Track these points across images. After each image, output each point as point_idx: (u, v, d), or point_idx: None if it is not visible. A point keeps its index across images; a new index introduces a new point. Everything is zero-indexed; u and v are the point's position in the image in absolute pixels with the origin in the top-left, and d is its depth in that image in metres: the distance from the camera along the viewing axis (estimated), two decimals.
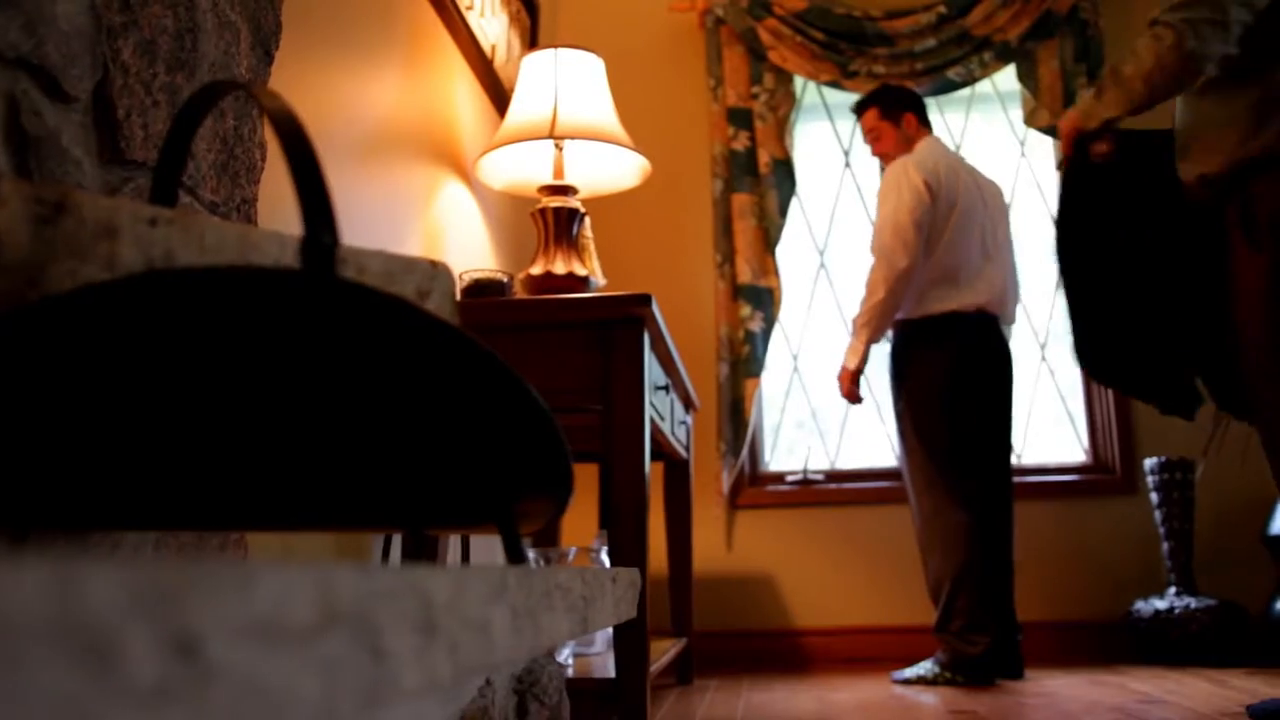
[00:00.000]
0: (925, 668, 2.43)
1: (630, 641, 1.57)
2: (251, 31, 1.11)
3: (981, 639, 2.37)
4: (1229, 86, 1.90)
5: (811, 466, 3.21)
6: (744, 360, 3.15)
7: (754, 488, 3.20)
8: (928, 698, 2.21)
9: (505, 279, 1.82)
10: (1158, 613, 2.71)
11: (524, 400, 0.52)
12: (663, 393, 1.92)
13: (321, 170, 0.48)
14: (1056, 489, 3.09)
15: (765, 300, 3.16)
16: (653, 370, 1.83)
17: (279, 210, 1.36)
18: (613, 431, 1.64)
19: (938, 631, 2.45)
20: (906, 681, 2.44)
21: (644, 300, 1.64)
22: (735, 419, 3.12)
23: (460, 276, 1.83)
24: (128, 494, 0.59)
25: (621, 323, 1.67)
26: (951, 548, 2.41)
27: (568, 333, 1.69)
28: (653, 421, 1.87)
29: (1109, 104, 1.92)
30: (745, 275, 3.19)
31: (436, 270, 0.61)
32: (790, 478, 3.20)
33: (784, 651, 3.04)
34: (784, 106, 3.33)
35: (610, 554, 1.61)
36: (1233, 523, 2.94)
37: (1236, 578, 2.87)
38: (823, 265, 3.39)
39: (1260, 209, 1.82)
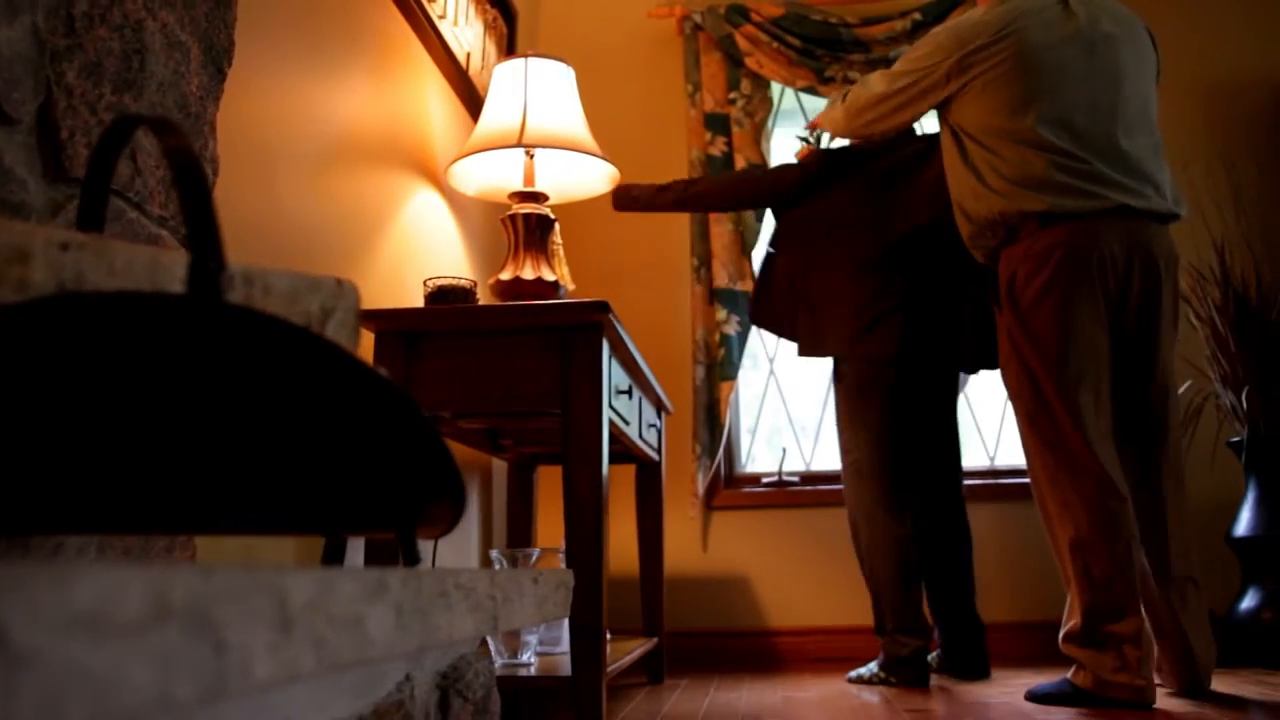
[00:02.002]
0: (870, 668, 2.48)
1: (585, 640, 1.60)
2: (203, 50, 1.15)
3: (911, 641, 2.41)
4: (971, 159, 2.21)
5: (786, 468, 3.24)
6: (719, 363, 3.19)
7: (730, 489, 3.24)
8: (872, 696, 2.25)
9: (469, 285, 1.86)
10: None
11: (408, 415, 0.56)
12: (625, 397, 1.96)
13: (211, 200, 0.52)
14: (1029, 490, 3.12)
15: (741, 304, 3.20)
16: (614, 375, 1.87)
17: (231, 222, 1.40)
18: (571, 435, 1.68)
19: (877, 633, 2.50)
20: (855, 680, 2.49)
21: (601, 307, 1.68)
22: (711, 421, 3.16)
23: (425, 283, 1.86)
24: (53, 500, 0.63)
25: (580, 329, 1.71)
26: (887, 553, 2.45)
27: (528, 338, 1.73)
28: (615, 425, 1.91)
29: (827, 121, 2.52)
30: (721, 279, 3.23)
31: (342, 288, 0.65)
32: (765, 479, 3.24)
33: (758, 651, 3.07)
34: (760, 112, 3.36)
35: (567, 554, 1.65)
36: (1199, 524, 2.97)
37: (1202, 578, 2.90)
38: None
39: (1000, 276, 2.16)
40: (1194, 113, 3.20)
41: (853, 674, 2.52)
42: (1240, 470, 2.79)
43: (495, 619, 0.76)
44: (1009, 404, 2.25)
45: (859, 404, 2.49)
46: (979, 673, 2.48)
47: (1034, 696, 2.11)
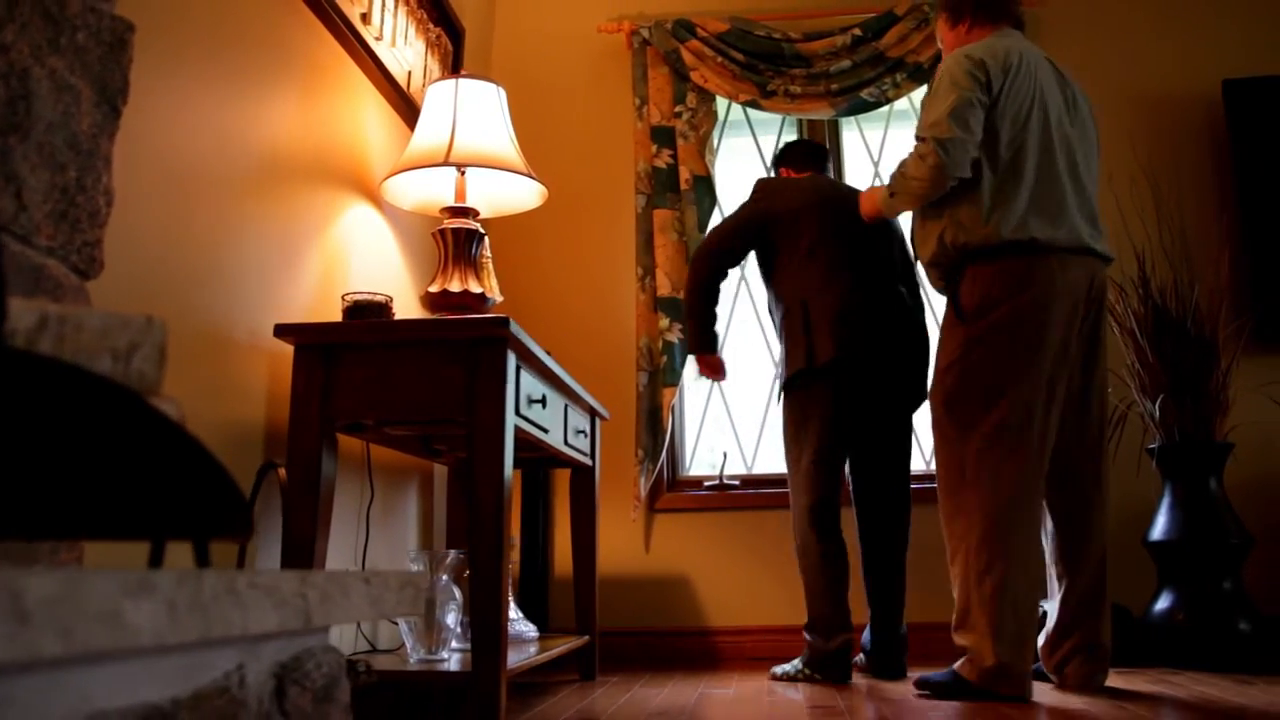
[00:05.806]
0: (794, 665, 2.58)
1: (483, 637, 1.70)
2: (96, 91, 1.24)
3: (835, 639, 2.52)
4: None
5: (728, 471, 3.34)
6: (662, 370, 3.29)
7: (672, 492, 3.34)
8: (794, 693, 2.35)
9: (385, 300, 1.95)
10: (1044, 614, 2.84)
11: (182, 442, 0.65)
12: (539, 406, 2.05)
13: (1, 262, 0.61)
14: None
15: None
16: (525, 385, 1.96)
17: (133, 246, 1.49)
18: (475, 441, 1.77)
19: (806, 630, 2.60)
20: (780, 677, 2.59)
21: (503, 322, 1.77)
22: (653, 426, 3.26)
23: (343, 298, 1.96)
24: None
25: (485, 342, 1.80)
26: (815, 566, 2.57)
27: (437, 351, 1.82)
28: (529, 433, 2.00)
29: (900, 205, 2.38)
30: (665, 288, 3.32)
31: (150, 324, 0.74)
32: (707, 483, 3.33)
33: (697, 650, 3.17)
34: (705, 125, 3.46)
35: (470, 555, 1.75)
36: (1117, 528, 3.07)
37: (1120, 580, 2.99)
38: (743, 278, 3.54)
39: (965, 291, 2.28)
40: (1118, 127, 3.30)
41: (777, 670, 2.62)
42: (1158, 476, 2.89)
43: (308, 615, 0.86)
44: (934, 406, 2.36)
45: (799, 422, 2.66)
46: (894, 673, 2.58)
47: (923, 684, 2.24)
